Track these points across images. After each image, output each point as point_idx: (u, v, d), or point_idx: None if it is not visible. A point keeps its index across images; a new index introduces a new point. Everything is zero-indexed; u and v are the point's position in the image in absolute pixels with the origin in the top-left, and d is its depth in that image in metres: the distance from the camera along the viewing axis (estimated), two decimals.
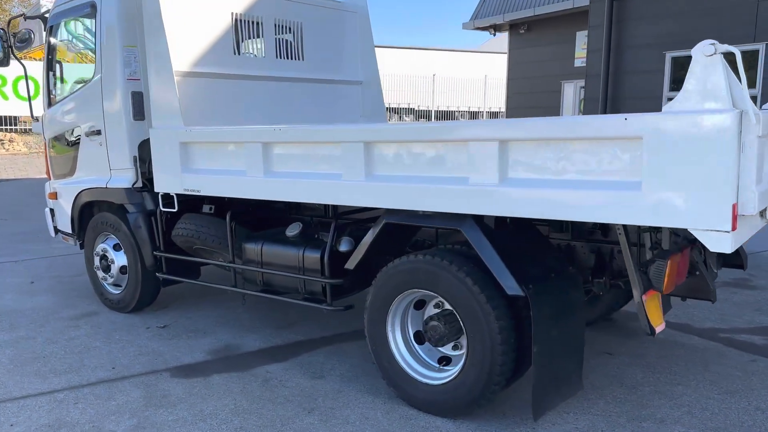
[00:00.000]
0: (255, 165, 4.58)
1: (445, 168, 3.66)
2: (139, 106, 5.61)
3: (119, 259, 5.96)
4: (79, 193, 6.11)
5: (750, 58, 10.55)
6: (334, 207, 4.64)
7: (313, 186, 4.28)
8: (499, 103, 31.13)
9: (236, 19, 5.69)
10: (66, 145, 6.30)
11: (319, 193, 4.27)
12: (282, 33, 6.15)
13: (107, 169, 5.81)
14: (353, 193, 4.07)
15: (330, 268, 4.45)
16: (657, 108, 12.14)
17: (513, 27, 19.88)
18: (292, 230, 4.81)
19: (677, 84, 11.69)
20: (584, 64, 18.74)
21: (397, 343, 4.10)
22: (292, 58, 6.28)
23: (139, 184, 5.66)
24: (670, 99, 12.07)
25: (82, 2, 5.83)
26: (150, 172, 5.68)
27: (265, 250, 4.86)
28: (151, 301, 6.09)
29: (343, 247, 4.44)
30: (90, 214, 6.28)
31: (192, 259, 5.57)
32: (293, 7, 6.25)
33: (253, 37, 5.99)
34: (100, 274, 6.15)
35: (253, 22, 5.89)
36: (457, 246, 3.89)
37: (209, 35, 5.48)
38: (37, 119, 6.75)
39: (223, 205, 5.45)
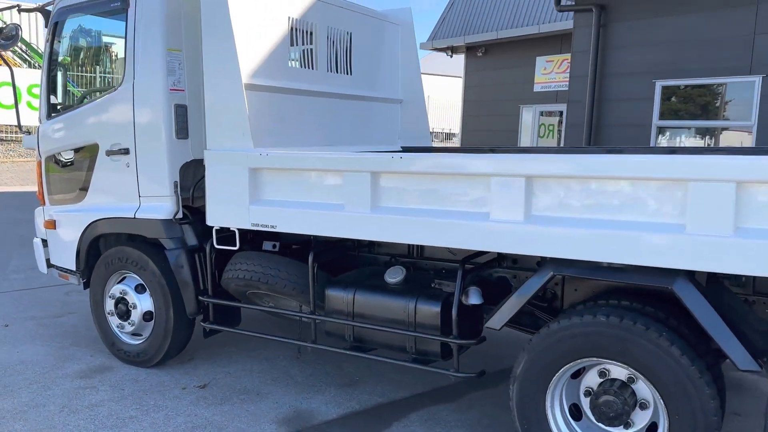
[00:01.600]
0: (359, 198, 3.79)
1: (652, 212, 3.03)
2: (182, 122, 4.69)
3: (143, 304, 4.96)
4: (93, 223, 5.06)
5: (745, 91, 10.59)
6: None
7: (444, 227, 3.54)
8: (442, 124, 30.93)
9: (292, 26, 4.88)
10: (72, 165, 5.24)
11: (452, 235, 3.53)
12: (334, 43, 5.38)
13: (135, 196, 4.82)
14: (507, 239, 3.36)
15: (458, 326, 3.71)
16: (646, 136, 12.05)
17: (470, 49, 19.69)
18: (394, 276, 4.04)
19: (667, 113, 11.66)
20: (545, 89, 18.76)
21: (557, 421, 3.41)
22: (340, 72, 5.50)
23: (180, 215, 4.72)
24: (659, 128, 11.83)
25: None
26: (193, 201, 4.76)
27: (360, 300, 4.06)
28: (177, 353, 5.11)
29: (473, 300, 3.72)
30: (97, 247, 5.25)
31: (261, 308, 4.72)
32: (344, 16, 5.49)
33: (307, 47, 5.18)
34: (115, 320, 5.11)
35: (307, 31, 5.09)
36: (646, 307, 3.25)
37: (269, 42, 4.63)
38: (28, 132, 5.63)
39: (289, 242, 4.60)
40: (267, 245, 4.64)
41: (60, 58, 5.37)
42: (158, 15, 4.57)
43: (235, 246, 4.42)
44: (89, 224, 5.09)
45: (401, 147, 6.13)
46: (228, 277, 4.55)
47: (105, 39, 5.19)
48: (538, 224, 3.26)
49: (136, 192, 4.82)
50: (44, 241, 5.62)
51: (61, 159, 5.31)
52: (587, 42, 12.82)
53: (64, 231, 5.34)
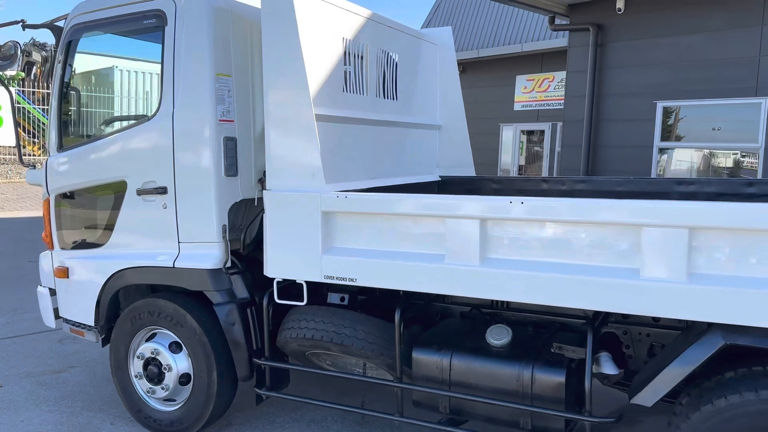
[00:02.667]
0: (465, 249, 3.26)
1: None
2: (232, 158, 4.09)
3: (179, 365, 4.29)
4: (119, 272, 4.38)
5: (751, 113, 10.47)
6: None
7: (579, 285, 3.03)
8: None
9: (346, 47, 4.33)
10: (90, 205, 4.56)
11: (590, 295, 3.03)
12: (381, 66, 4.85)
13: (173, 241, 4.18)
14: (665, 302, 2.87)
15: (591, 400, 3.19)
16: (647, 157, 11.84)
17: None
18: (499, 337, 3.51)
19: (668, 134, 11.48)
20: (525, 108, 18.57)
21: None
22: (387, 98, 4.97)
23: (228, 264, 4.09)
24: (661, 149, 11.64)
25: (135, 10, 4.21)
26: (244, 247, 4.15)
27: (459, 366, 3.51)
28: (217, 420, 4.45)
29: (607, 369, 3.22)
30: (116, 299, 4.57)
31: (334, 372, 4.10)
32: (391, 36, 4.98)
33: (358, 70, 4.63)
34: (144, 384, 4.42)
35: (358, 53, 4.55)
36: None
37: (329, 66, 4.07)
38: (33, 166, 4.91)
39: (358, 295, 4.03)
40: (333, 298, 4.05)
41: (74, 83, 4.67)
42: (205, 35, 3.96)
43: (301, 300, 3.82)
44: (114, 274, 4.40)
45: (440, 177, 5.64)
46: (290, 336, 3.94)
47: (131, 61, 4.54)
48: (706, 284, 2.79)
49: (174, 237, 4.17)
50: (52, 291, 4.88)
51: (77, 197, 4.61)
52: (583, 62, 12.60)
53: (80, 280, 4.63)
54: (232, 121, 4.09)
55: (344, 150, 4.15)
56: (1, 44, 4.82)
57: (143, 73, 4.38)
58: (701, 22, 11.17)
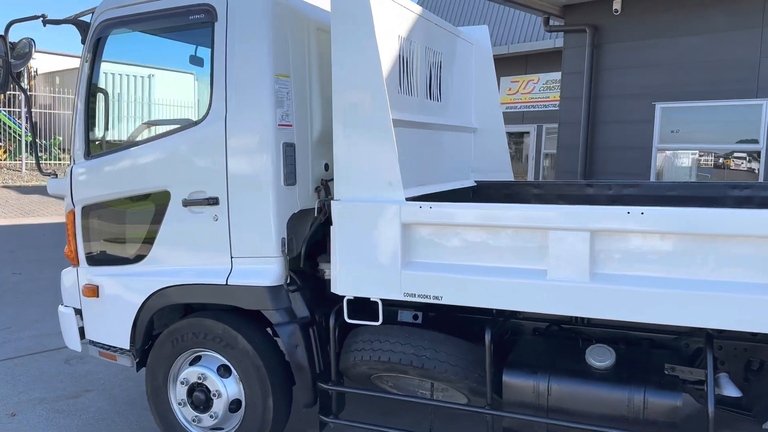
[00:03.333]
0: (571, 263, 3.01)
1: None
2: (292, 165, 3.77)
3: (229, 390, 3.94)
4: (161, 291, 4.01)
5: (752, 114, 10.48)
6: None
7: (708, 302, 2.80)
8: None
9: (401, 47, 4.04)
10: (127, 217, 4.18)
11: (722, 313, 2.80)
12: (428, 65, 4.57)
13: (224, 256, 3.83)
14: None
15: (714, 426, 2.97)
16: (646, 158, 11.79)
17: None
18: (602, 358, 3.26)
19: (667, 135, 11.44)
20: (510, 110, 18.48)
21: None
22: (433, 99, 4.70)
23: (288, 280, 3.77)
24: (660, 150, 11.61)
25: (179, 4, 3.85)
26: (303, 262, 3.83)
27: (559, 390, 3.25)
28: None
29: (729, 391, 3.00)
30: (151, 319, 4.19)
31: (413, 398, 3.79)
32: (437, 34, 4.71)
33: (409, 70, 4.34)
34: (188, 412, 4.06)
35: (410, 53, 4.26)
36: None
37: (393, 67, 3.78)
38: (54, 174, 4.49)
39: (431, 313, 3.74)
40: (404, 316, 3.75)
41: (104, 84, 4.28)
42: (264, 31, 3.63)
43: (375, 320, 3.51)
44: (155, 292, 4.03)
45: (475, 182, 5.39)
46: (359, 359, 3.63)
47: (171, 59, 4.16)
48: None
49: (226, 251, 3.82)
50: (76, 311, 4.47)
51: (109, 209, 4.22)
52: (579, 63, 12.51)
53: (113, 300, 4.24)
54: (291, 125, 3.76)
55: (406, 156, 3.86)
56: (15, 41, 4.39)
57: (188, 72, 4.00)
58: (700, 24, 11.15)
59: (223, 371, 3.97)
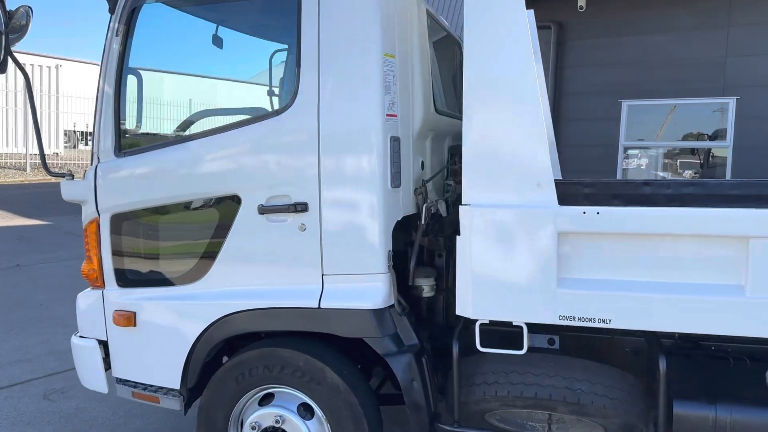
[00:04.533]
0: None
1: None
2: (398, 164, 3.15)
3: None
4: (228, 317, 3.28)
5: (719, 112, 10.64)
6: None
7: None
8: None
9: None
10: (175, 227, 3.42)
11: None
12: None
13: (313, 274, 3.16)
14: None
15: None
16: (612, 156, 11.77)
17: None
18: None
19: (633, 132, 11.46)
20: None
21: None
22: None
23: (391, 301, 3.15)
24: (626, 148, 11.63)
25: None
26: (412, 279, 3.22)
27: (743, 423, 2.81)
28: None
29: None
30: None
31: None
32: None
33: None
34: None
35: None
36: None
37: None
38: (70, 175, 3.64)
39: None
40: (537, 340, 3.21)
41: (141, 64, 3.49)
42: (369, 2, 3.00)
43: (519, 348, 2.96)
44: (220, 319, 3.30)
45: None
46: (491, 394, 3.06)
47: (233, 32, 3.42)
48: None
49: (316, 268, 3.15)
50: (104, 345, 3.64)
51: (152, 218, 3.44)
52: (543, 60, 12.34)
53: (158, 329, 3.46)
54: (396, 115, 3.15)
55: None
56: (12, 10, 3.52)
57: (258, 48, 3.27)
58: (667, 22, 11.19)
59: (304, 411, 3.30)
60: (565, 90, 12.35)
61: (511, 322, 2.95)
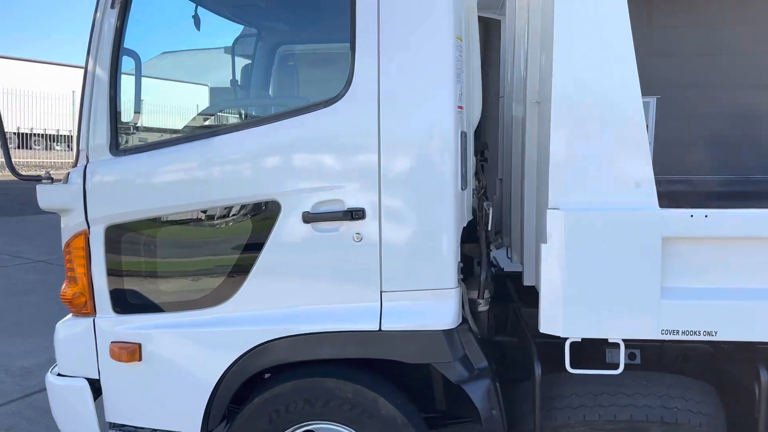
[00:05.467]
0: None
1: None
2: (467, 163, 2.76)
3: None
4: (265, 345, 2.76)
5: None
6: None
7: None
8: None
9: None
10: (193, 242, 2.85)
11: None
12: None
13: (370, 291, 2.70)
14: None
15: None
16: None
17: None
18: None
19: None
20: None
21: None
22: None
23: (458, 319, 2.77)
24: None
25: None
26: (482, 294, 2.86)
27: None
28: None
29: None
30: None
31: None
32: None
33: None
34: None
35: None
36: None
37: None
38: (48, 178, 2.96)
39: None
40: (613, 356, 2.90)
41: (144, 41, 2.88)
42: None
43: (614, 368, 2.66)
44: (255, 347, 2.77)
45: None
46: (579, 418, 2.74)
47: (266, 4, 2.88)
48: None
49: (374, 284, 2.70)
50: (92, 382, 2.99)
51: (163, 230, 2.85)
52: None
53: (174, 362, 2.87)
54: (463, 107, 2.76)
55: None
56: None
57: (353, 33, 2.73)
58: None
59: None
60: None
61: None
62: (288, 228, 2.71)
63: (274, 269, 2.76)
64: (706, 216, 2.53)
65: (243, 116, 3.09)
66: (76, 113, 3.00)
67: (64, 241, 2.97)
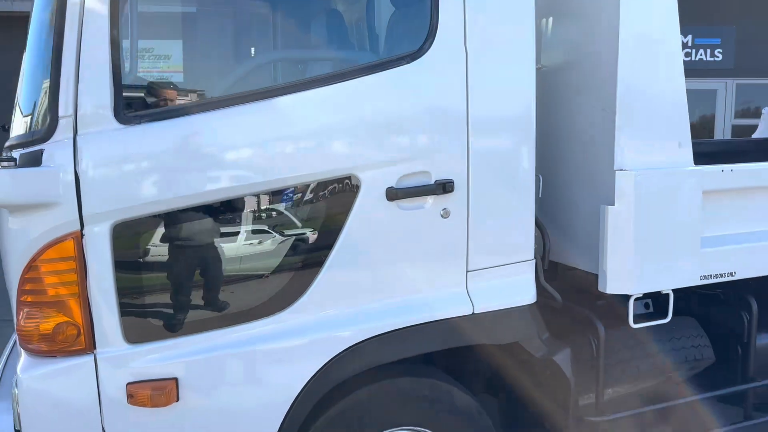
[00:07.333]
0: None
1: None
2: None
3: None
4: (353, 348, 2.28)
5: None
6: None
7: None
8: None
9: None
10: (241, 234, 2.20)
11: None
12: None
13: (456, 271, 2.43)
14: None
15: None
16: None
17: None
18: None
19: None
20: None
21: None
22: None
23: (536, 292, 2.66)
24: None
25: None
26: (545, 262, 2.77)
27: None
28: None
29: None
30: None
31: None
32: None
33: None
34: None
35: None
36: None
37: None
38: (11, 159, 1.98)
39: None
40: (635, 308, 3.00)
41: None
42: None
43: (664, 317, 2.81)
44: (340, 353, 2.27)
45: None
46: (635, 371, 2.87)
47: None
48: None
49: (460, 263, 2.42)
50: None
51: (204, 223, 2.14)
52: None
53: (227, 395, 2.18)
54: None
55: None
56: None
57: None
58: None
59: None
60: None
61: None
62: (369, 207, 2.27)
63: (353, 259, 2.29)
64: (731, 170, 2.83)
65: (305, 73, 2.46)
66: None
67: (27, 254, 2.04)
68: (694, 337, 3.04)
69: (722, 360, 3.14)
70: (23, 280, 2.08)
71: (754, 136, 5.58)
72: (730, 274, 2.88)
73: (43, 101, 2.12)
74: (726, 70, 10.79)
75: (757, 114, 10.45)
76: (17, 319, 2.15)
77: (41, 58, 2.20)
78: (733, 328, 3.17)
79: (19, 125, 2.31)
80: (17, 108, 2.42)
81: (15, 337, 2.38)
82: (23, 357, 2.17)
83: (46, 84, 2.10)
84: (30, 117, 2.24)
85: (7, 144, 2.27)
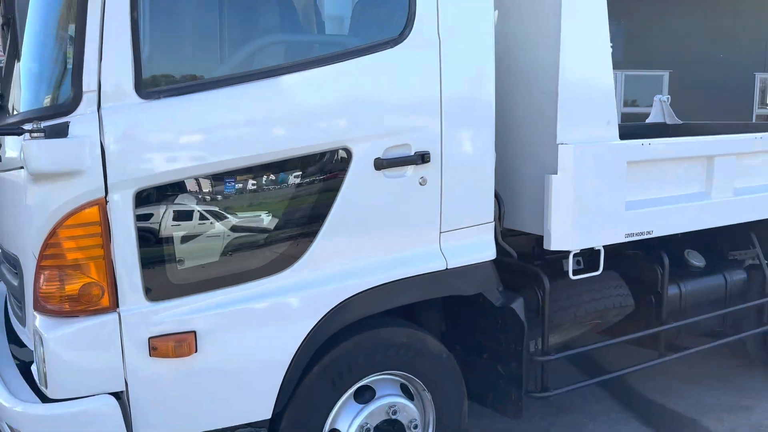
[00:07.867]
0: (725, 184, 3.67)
1: None
2: None
3: (419, 413, 2.93)
4: (344, 303, 2.57)
5: None
6: None
7: None
8: None
9: None
10: (249, 201, 2.44)
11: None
12: None
13: (431, 233, 2.78)
14: None
15: None
16: None
17: None
18: (697, 259, 4.02)
19: None
20: None
21: None
22: None
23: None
24: None
25: None
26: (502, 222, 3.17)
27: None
28: None
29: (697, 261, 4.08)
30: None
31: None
32: None
33: None
34: None
35: None
36: None
37: None
38: (40, 129, 2.11)
39: None
40: (569, 264, 3.46)
41: None
42: None
43: (597, 270, 3.28)
44: (334, 308, 2.55)
45: None
46: (575, 314, 3.33)
47: None
48: None
49: (434, 226, 2.77)
50: (118, 396, 2.30)
51: (215, 190, 2.35)
52: None
53: (241, 346, 2.42)
54: None
55: None
56: None
57: None
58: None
59: (408, 392, 2.92)
60: None
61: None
62: (360, 176, 2.57)
63: (346, 222, 2.58)
64: (650, 144, 3.34)
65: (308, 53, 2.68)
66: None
67: (51, 221, 2.20)
68: (618, 287, 3.54)
69: (640, 307, 3.69)
70: (46, 245, 2.22)
71: (648, 121, 6.26)
72: (648, 233, 3.38)
73: (60, 77, 2.26)
74: (615, 62, 11.74)
75: (642, 103, 11.49)
76: (35, 282, 2.28)
77: (50, 36, 2.34)
78: (649, 280, 3.71)
79: (27, 99, 2.42)
80: (16, 84, 2.53)
81: None
82: (39, 318, 2.31)
83: (60, 61, 2.25)
84: (44, 92, 2.36)
85: (18, 117, 2.38)
